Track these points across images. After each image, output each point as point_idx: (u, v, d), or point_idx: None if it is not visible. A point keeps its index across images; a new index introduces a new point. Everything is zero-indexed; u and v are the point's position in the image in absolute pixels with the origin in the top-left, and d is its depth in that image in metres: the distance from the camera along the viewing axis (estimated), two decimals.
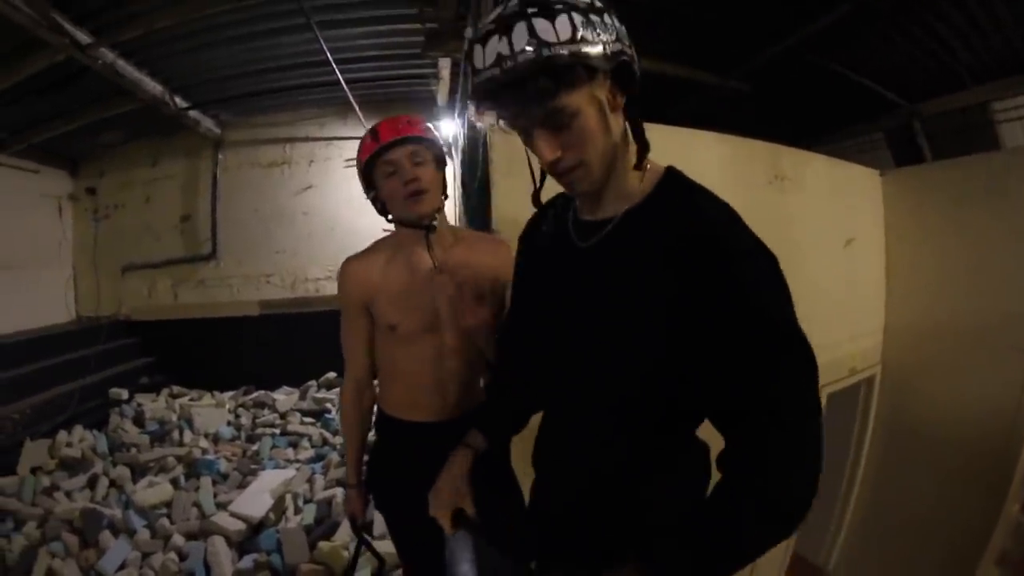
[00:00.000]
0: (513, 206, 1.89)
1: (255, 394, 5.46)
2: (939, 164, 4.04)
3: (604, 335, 0.86)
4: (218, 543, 2.97)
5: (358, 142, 1.51)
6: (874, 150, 5.32)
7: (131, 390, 5.37)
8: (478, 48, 0.77)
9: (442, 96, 5.27)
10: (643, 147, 0.86)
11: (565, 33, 0.73)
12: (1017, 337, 2.45)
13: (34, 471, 3.87)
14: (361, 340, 1.55)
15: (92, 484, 3.73)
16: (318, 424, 4.81)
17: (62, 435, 4.34)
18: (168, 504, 3.45)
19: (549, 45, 0.72)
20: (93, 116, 5.09)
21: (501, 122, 0.83)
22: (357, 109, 5.48)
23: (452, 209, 4.60)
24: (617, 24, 0.79)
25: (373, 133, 1.44)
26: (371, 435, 1.66)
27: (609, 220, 0.87)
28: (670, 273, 0.77)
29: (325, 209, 6.31)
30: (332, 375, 5.67)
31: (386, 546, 1.89)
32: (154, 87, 4.74)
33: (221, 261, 6.28)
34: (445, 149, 1.56)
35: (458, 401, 1.50)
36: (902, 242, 2.98)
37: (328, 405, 5.09)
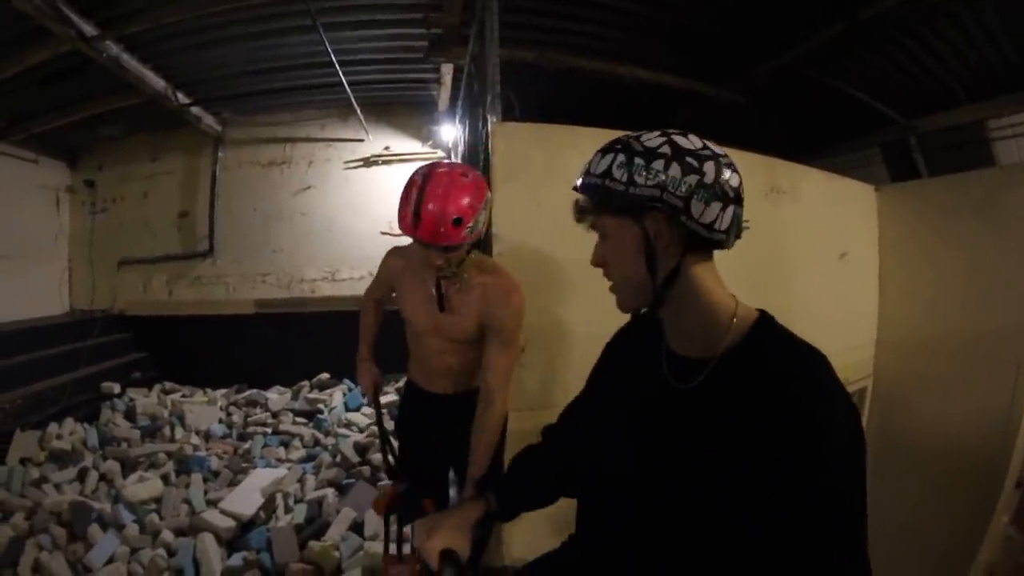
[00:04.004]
0: (512, 210, 1.92)
1: (247, 392, 5.45)
2: (933, 180, 4.09)
3: (689, 479, 0.88)
4: (207, 540, 2.96)
5: (407, 179, 1.54)
6: (870, 165, 5.37)
7: (123, 385, 5.35)
8: None
9: (443, 101, 5.30)
10: (656, 298, 0.92)
11: (601, 168, 0.90)
12: (1008, 350, 2.47)
13: (23, 462, 3.85)
14: (380, 287, 2.03)
15: (82, 477, 3.72)
16: (310, 424, 4.79)
17: (53, 427, 4.32)
18: (158, 500, 3.44)
19: (589, 175, 0.92)
20: (95, 109, 5.10)
21: None
22: (358, 111, 5.50)
23: None
24: (675, 173, 0.85)
25: (415, 216, 1.46)
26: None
27: (702, 361, 0.91)
28: (755, 432, 0.81)
29: (323, 210, 6.31)
30: (325, 376, 5.66)
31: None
32: (157, 82, 4.75)
33: (218, 259, 6.27)
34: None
35: (457, 383, 1.91)
36: (895, 256, 3.01)
37: (320, 406, 5.08)
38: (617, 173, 0.88)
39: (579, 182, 0.95)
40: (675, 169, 0.85)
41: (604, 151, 0.91)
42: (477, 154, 2.84)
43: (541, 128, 2.00)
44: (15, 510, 3.24)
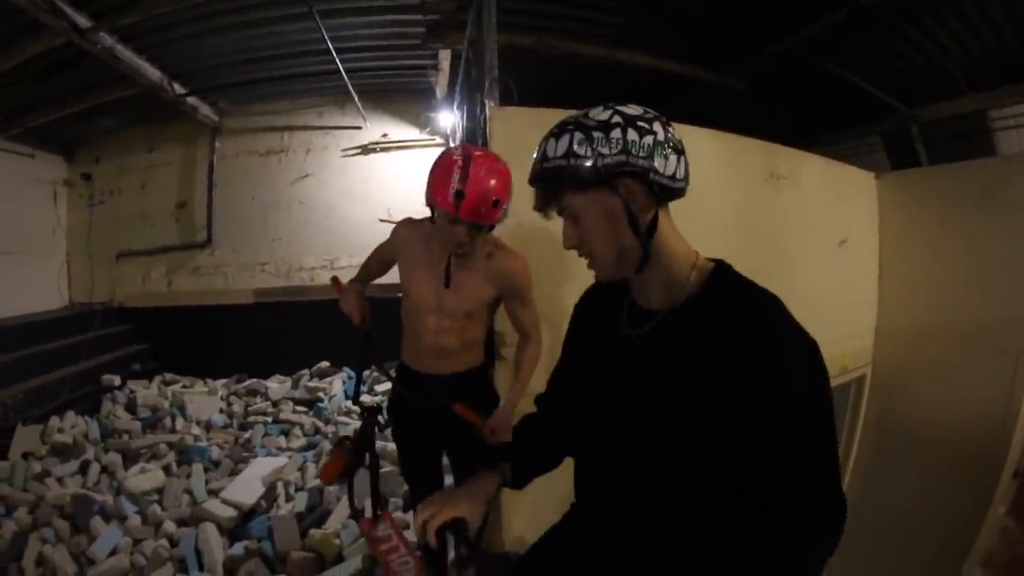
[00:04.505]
0: (512, 194, 1.90)
1: (248, 382, 5.45)
2: (934, 168, 4.07)
3: (647, 420, 0.95)
4: (209, 530, 2.97)
5: (436, 158, 1.63)
6: (871, 153, 5.36)
7: (123, 377, 5.36)
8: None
9: (441, 88, 5.27)
10: (644, 255, 0.95)
11: (561, 150, 0.92)
12: (1007, 341, 2.47)
13: (25, 456, 3.86)
14: (388, 250, 1.94)
15: (84, 470, 3.73)
16: (310, 413, 4.81)
17: (54, 421, 4.34)
18: (159, 491, 3.45)
19: (548, 159, 0.93)
20: (91, 101, 5.06)
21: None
22: (356, 99, 5.47)
23: None
24: (633, 138, 0.90)
25: (457, 195, 1.52)
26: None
27: (657, 312, 0.98)
28: (714, 378, 0.86)
29: (321, 198, 6.30)
30: (325, 364, 5.68)
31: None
32: (153, 73, 4.71)
33: (216, 249, 6.26)
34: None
35: (449, 363, 1.89)
36: (895, 244, 3.00)
37: (320, 394, 5.10)
38: (580, 150, 0.90)
39: (538, 169, 0.96)
40: (632, 134, 0.90)
41: (556, 135, 0.94)
42: (475, 140, 2.82)
43: (540, 113, 1.98)
44: (18, 504, 3.25)
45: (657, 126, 0.92)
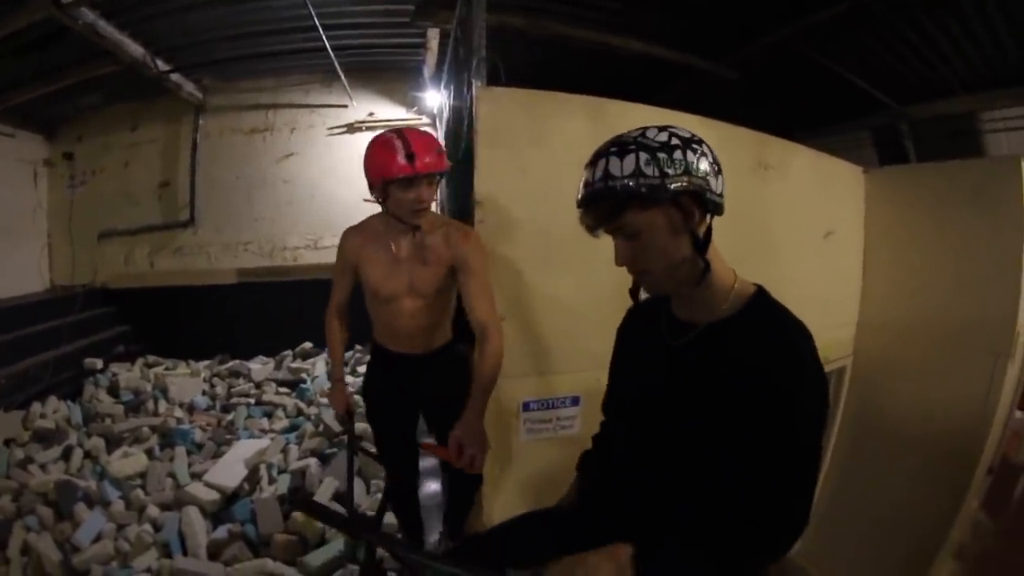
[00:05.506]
0: (496, 176, 1.90)
1: (230, 363, 5.41)
2: (923, 166, 4.08)
3: (677, 422, 1.04)
4: (192, 513, 2.95)
5: (377, 141, 1.75)
6: (859, 148, 5.37)
7: (106, 360, 5.29)
8: (587, 169, 1.02)
9: (429, 67, 5.19)
10: (704, 267, 1.01)
11: (628, 169, 0.95)
12: (986, 339, 2.50)
13: (8, 443, 3.80)
14: (344, 282, 2.04)
15: (67, 456, 3.67)
16: (293, 394, 4.79)
17: (36, 406, 4.28)
18: (143, 475, 3.41)
19: (614, 178, 0.96)
20: (72, 78, 4.91)
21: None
22: (343, 77, 5.39)
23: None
24: (692, 159, 0.96)
25: (409, 157, 1.66)
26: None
27: (695, 326, 1.05)
28: (734, 392, 0.94)
29: (306, 177, 6.24)
30: (308, 345, 5.65)
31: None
32: (136, 49, 4.59)
33: (199, 228, 6.18)
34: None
35: (425, 343, 2.04)
36: (881, 239, 3.01)
37: (303, 375, 5.08)
38: (648, 170, 0.95)
39: (601, 188, 0.98)
40: (691, 155, 0.96)
41: (619, 154, 0.97)
42: (461, 120, 2.79)
43: (528, 94, 1.96)
44: (1, 492, 3.19)
45: (706, 147, 0.99)
